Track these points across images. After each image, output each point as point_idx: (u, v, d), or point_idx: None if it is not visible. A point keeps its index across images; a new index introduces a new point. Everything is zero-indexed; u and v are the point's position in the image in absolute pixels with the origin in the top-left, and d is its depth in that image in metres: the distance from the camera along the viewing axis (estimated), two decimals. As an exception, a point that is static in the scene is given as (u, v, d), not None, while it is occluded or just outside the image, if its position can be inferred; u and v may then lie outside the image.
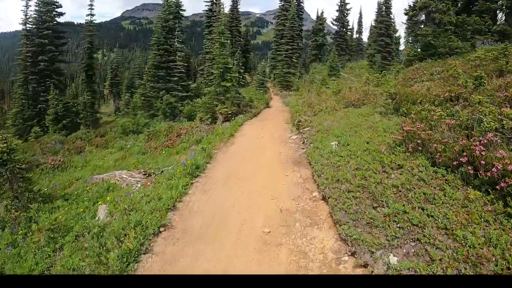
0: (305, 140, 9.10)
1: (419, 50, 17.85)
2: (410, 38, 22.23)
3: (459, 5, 18.63)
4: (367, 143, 6.55)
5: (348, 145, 6.81)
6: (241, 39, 46.83)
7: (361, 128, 7.88)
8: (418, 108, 6.99)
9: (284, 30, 41.31)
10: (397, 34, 43.25)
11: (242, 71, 17.81)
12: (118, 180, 8.05)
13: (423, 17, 17.71)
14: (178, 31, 23.46)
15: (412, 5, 18.56)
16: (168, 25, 23.56)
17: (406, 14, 19.41)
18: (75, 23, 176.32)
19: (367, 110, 10.05)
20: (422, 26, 17.62)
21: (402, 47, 59.17)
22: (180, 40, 24.17)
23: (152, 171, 8.36)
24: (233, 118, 14.65)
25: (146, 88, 23.52)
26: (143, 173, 8.46)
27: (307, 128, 9.99)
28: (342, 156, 6.27)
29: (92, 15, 32.75)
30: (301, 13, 38.85)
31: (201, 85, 27.28)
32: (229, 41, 39.96)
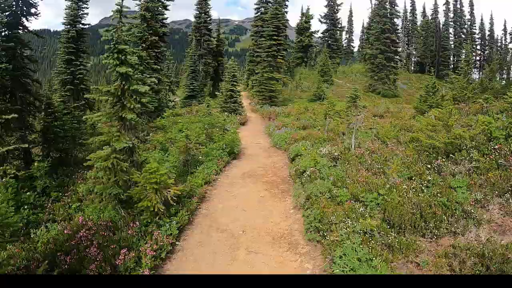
0: None
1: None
2: None
3: None
4: None
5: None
6: (212, 39, 37.41)
7: None
8: None
9: (263, 25, 32.54)
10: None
11: (155, 76, 7.22)
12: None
13: None
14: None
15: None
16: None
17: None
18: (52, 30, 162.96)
19: None
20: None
21: (399, 48, 52.24)
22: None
23: None
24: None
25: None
26: None
27: None
28: None
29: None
30: (286, 3, 30.13)
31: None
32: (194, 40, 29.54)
